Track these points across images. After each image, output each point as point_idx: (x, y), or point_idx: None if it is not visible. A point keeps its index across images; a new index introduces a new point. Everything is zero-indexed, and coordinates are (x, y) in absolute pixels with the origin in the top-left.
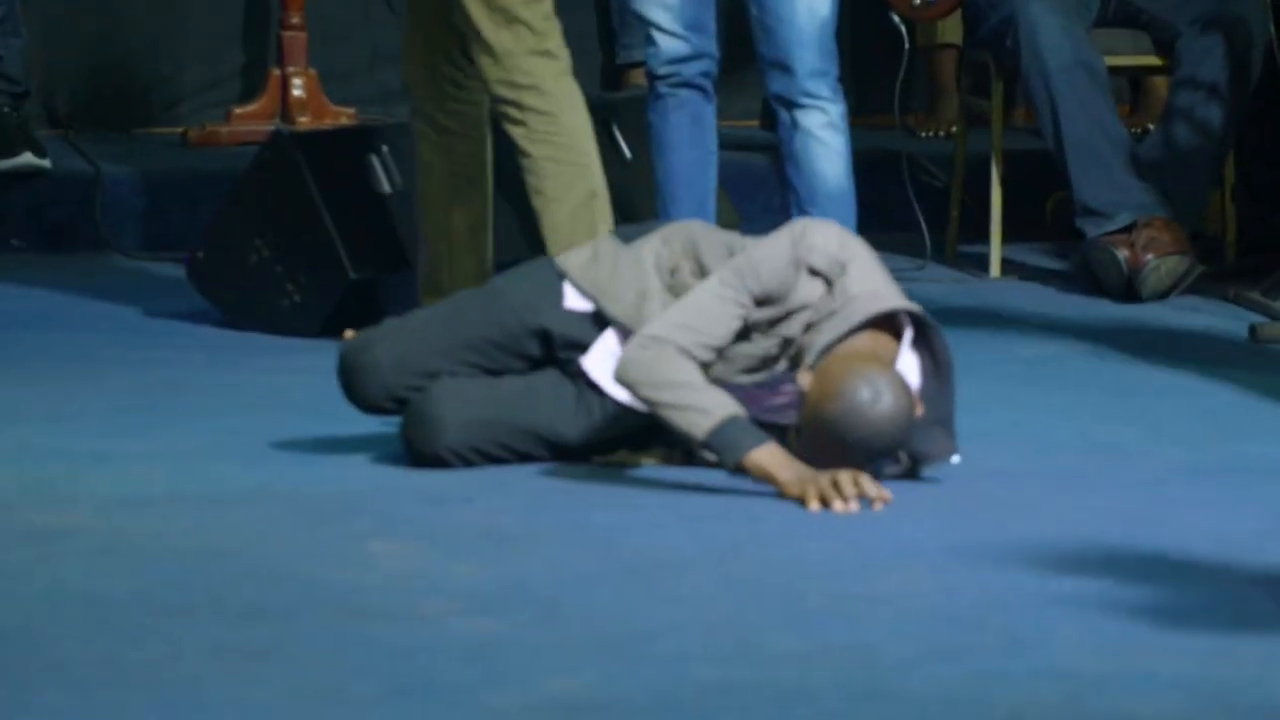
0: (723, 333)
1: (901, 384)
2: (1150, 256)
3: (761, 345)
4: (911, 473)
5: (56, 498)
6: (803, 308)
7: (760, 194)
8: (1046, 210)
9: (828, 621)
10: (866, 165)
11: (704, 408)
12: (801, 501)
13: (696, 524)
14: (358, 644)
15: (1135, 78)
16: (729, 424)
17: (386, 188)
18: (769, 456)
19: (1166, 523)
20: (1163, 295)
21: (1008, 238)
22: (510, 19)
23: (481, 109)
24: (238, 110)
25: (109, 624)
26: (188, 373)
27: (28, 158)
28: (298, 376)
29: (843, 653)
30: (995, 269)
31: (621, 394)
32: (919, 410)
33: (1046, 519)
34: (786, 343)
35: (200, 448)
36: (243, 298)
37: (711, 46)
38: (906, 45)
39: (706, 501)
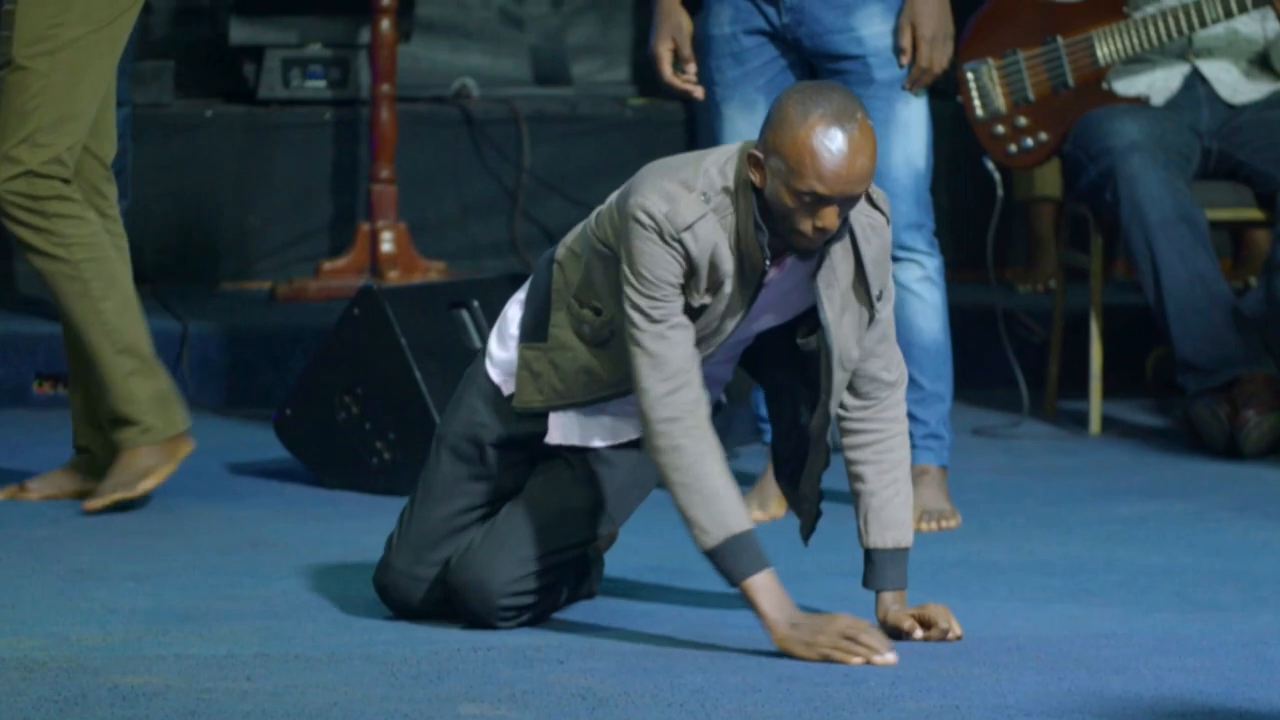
0: (685, 349)
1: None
2: (1252, 413)
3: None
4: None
5: (143, 658)
6: None
7: None
8: (1147, 366)
9: None
10: (963, 320)
11: (705, 525)
12: (790, 653)
13: (791, 685)
14: None
15: (1236, 231)
16: (728, 545)
17: (478, 344)
18: (763, 589)
19: (1268, 684)
20: (1265, 452)
21: (1107, 393)
22: (29, 134)
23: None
24: (327, 265)
25: None
26: (275, 531)
27: None
28: (386, 536)
29: None
30: (1095, 425)
31: (597, 440)
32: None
33: (1147, 680)
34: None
35: (288, 607)
36: (331, 455)
37: None
38: (1000, 194)
39: (802, 662)
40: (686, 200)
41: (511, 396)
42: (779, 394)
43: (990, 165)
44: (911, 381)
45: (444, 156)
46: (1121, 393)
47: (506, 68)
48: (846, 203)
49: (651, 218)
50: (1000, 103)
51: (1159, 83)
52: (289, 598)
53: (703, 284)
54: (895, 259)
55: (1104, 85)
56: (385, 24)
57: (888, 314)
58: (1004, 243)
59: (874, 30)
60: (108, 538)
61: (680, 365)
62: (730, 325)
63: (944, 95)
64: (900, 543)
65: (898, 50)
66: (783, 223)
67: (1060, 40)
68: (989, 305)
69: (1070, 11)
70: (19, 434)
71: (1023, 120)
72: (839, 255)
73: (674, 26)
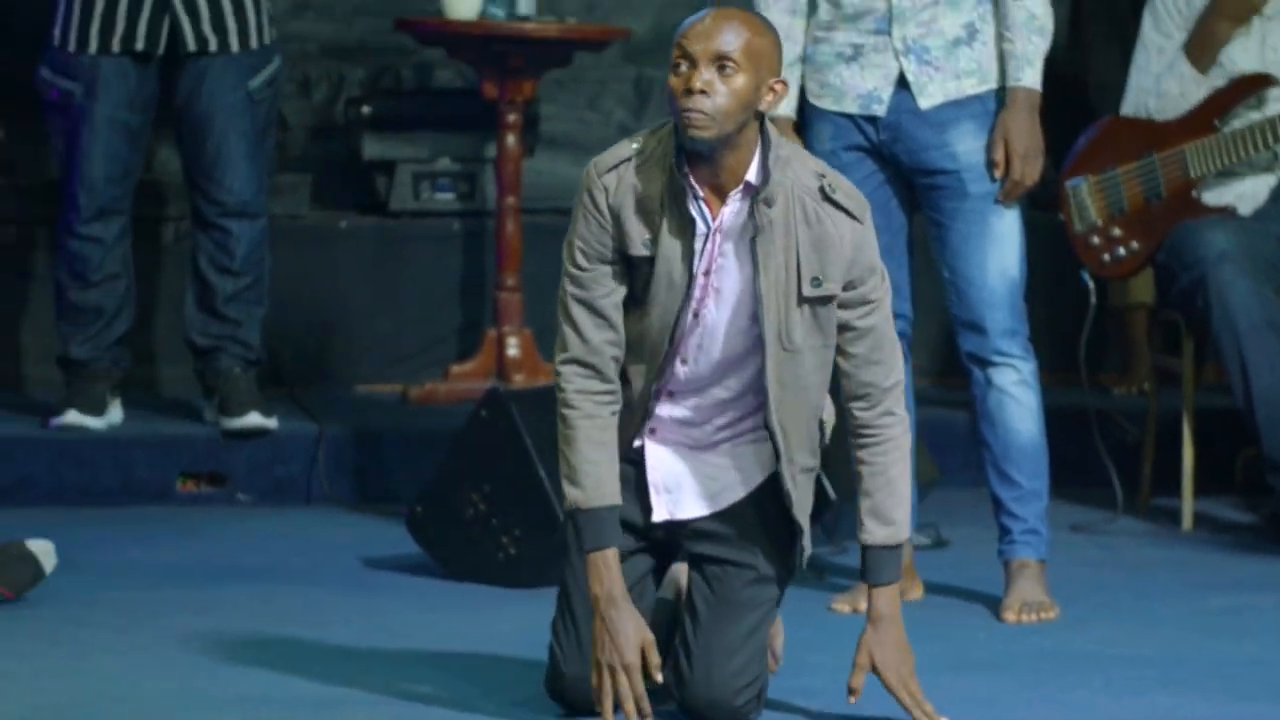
0: (583, 333)
1: None
2: None
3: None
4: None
5: None
6: None
7: (958, 449)
8: (1237, 466)
9: None
10: (1062, 422)
11: (568, 491)
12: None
13: None
14: None
15: None
16: (583, 514)
17: None
18: (599, 567)
19: None
20: None
21: (1199, 492)
22: None
23: None
24: (455, 369)
25: None
26: (407, 621)
27: (254, 418)
28: (515, 625)
29: None
30: (1187, 522)
31: (695, 509)
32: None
33: None
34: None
35: (423, 694)
36: (460, 550)
37: (905, 307)
38: (1093, 301)
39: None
40: (620, 147)
41: None
42: None
43: (1086, 276)
44: (1009, 480)
45: None
46: (1212, 491)
47: None
48: (715, 63)
49: (590, 167)
50: (1095, 215)
51: (1247, 193)
52: (422, 686)
53: (635, 226)
54: (992, 363)
55: (1193, 194)
56: (511, 139)
57: (877, 324)
58: (1100, 349)
59: (967, 146)
60: (246, 630)
61: (577, 343)
62: (682, 276)
63: (1043, 206)
64: (890, 540)
65: (990, 164)
66: (672, 107)
67: (1156, 155)
68: (1082, 407)
69: (1167, 129)
70: (163, 530)
71: (1117, 230)
72: (779, 228)
73: None
